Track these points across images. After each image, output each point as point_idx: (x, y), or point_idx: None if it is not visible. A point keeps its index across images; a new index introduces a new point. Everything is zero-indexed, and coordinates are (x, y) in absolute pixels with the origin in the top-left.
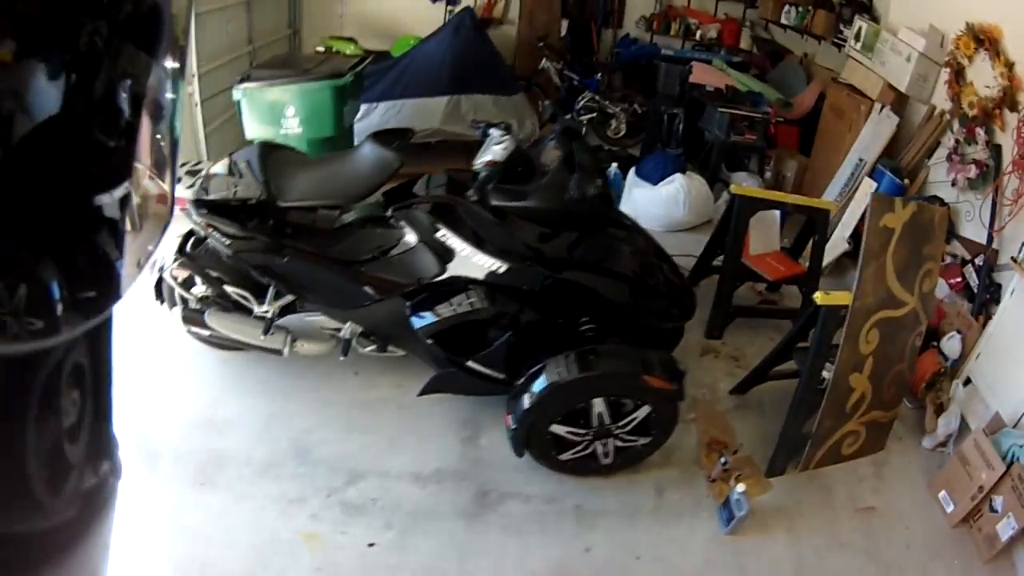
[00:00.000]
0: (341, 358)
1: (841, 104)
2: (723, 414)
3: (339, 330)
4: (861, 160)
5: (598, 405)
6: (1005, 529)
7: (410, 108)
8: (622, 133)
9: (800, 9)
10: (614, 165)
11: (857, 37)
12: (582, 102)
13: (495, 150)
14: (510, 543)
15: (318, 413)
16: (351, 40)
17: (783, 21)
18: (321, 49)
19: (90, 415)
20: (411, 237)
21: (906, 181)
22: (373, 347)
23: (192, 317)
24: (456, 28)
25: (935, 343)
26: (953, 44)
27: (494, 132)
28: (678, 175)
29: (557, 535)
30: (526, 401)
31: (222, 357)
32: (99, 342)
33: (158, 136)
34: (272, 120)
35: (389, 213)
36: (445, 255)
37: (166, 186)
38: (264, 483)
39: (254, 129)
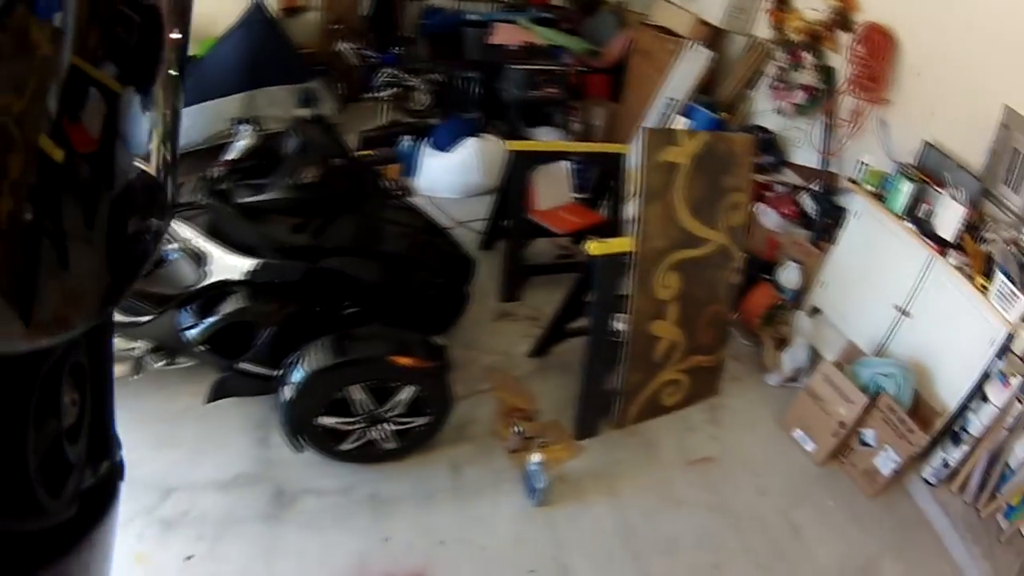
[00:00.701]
0: (133, 378)
1: (649, 46)
2: (520, 380)
3: (133, 348)
4: (672, 100)
5: (356, 392)
6: (885, 463)
7: (207, 112)
8: (426, 104)
9: None
10: (407, 137)
11: None
12: (381, 78)
13: (236, 147)
14: (310, 541)
15: (129, 434)
16: None
17: None
18: None
19: (90, 415)
20: (172, 247)
21: (724, 115)
22: (163, 362)
23: None
24: (247, 23)
25: (766, 276)
26: None
27: (241, 128)
28: (470, 139)
29: (354, 528)
30: (287, 393)
31: None
32: (99, 342)
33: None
34: None
35: None
36: (202, 261)
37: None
38: None
39: None
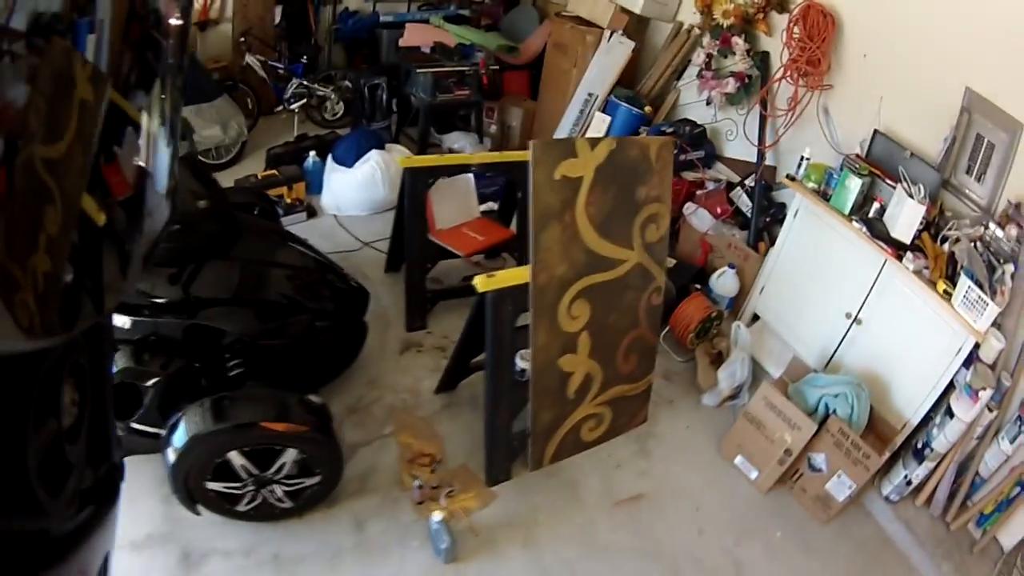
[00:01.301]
0: None
1: (564, 39)
2: (426, 421)
3: None
4: (591, 95)
5: (236, 457)
6: (839, 489)
7: None
8: (340, 114)
9: None
10: (312, 153)
11: None
12: (291, 90)
13: None
14: None
15: None
16: None
17: None
18: None
19: (90, 415)
20: None
21: (648, 109)
22: None
23: None
24: None
25: (698, 286)
26: None
27: None
28: (374, 152)
29: None
30: (170, 456)
31: None
32: (99, 342)
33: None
34: None
35: None
36: None
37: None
38: None
39: None
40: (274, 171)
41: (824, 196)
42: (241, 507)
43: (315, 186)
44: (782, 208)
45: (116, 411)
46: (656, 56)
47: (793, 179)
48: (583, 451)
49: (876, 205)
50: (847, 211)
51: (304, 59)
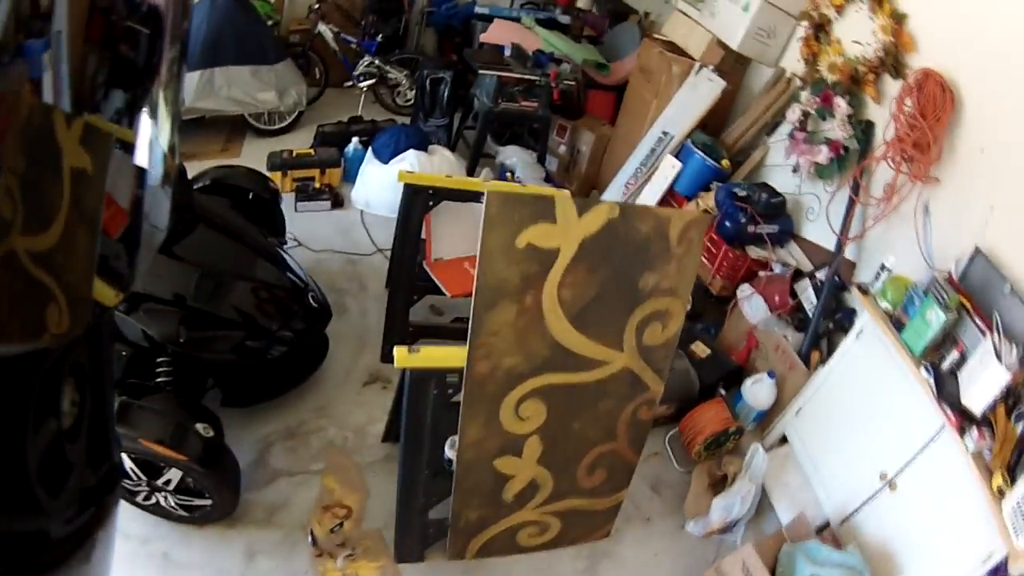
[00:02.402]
0: None
1: (651, 64)
2: (359, 469)
3: None
4: (666, 134)
5: (126, 460)
6: None
7: None
8: (409, 100)
9: None
10: (356, 139)
11: None
12: (361, 67)
13: None
14: None
15: None
16: None
17: None
18: None
19: (90, 415)
20: None
21: (726, 163)
22: None
23: None
24: None
25: (723, 392)
26: None
27: None
28: (412, 151)
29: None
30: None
31: None
32: (99, 342)
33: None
34: None
35: None
36: None
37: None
38: None
39: None
40: (310, 150)
41: (897, 323)
42: (139, 500)
43: (351, 175)
44: (850, 315)
45: None
46: (748, 103)
47: (866, 292)
48: (518, 553)
49: (955, 354)
50: (919, 352)
51: (379, 37)
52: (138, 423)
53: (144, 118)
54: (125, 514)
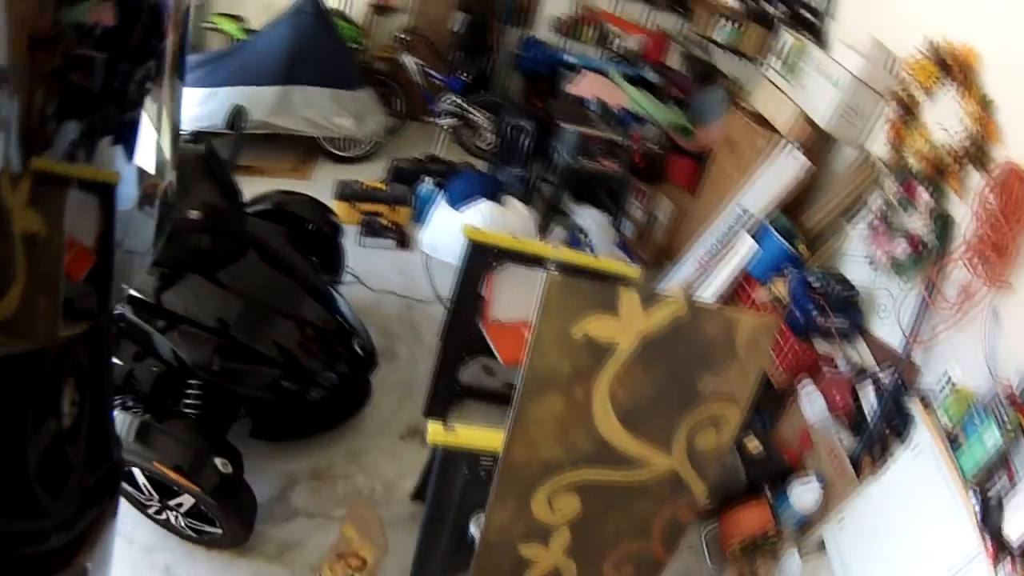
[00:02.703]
0: None
1: (737, 136)
2: (381, 523)
3: None
4: (745, 211)
5: (140, 475)
6: None
7: (233, 97)
8: (490, 144)
9: (735, 24)
10: (429, 179)
11: (779, 54)
12: (443, 104)
13: None
14: None
15: None
16: (236, 18)
17: (715, 37)
18: (209, 25)
19: (90, 415)
20: None
21: (802, 248)
22: None
23: None
24: (296, 12)
25: (766, 489)
26: (906, 69)
27: None
28: (484, 201)
29: None
30: None
31: None
32: (99, 342)
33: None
34: None
35: None
36: None
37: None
38: None
39: None
40: (382, 184)
41: (954, 440)
42: (150, 511)
43: (421, 215)
44: (907, 421)
45: None
46: (830, 184)
47: (927, 404)
48: None
49: (1004, 481)
50: (970, 474)
51: (464, 76)
52: (156, 445)
53: (107, 144)
54: (133, 520)
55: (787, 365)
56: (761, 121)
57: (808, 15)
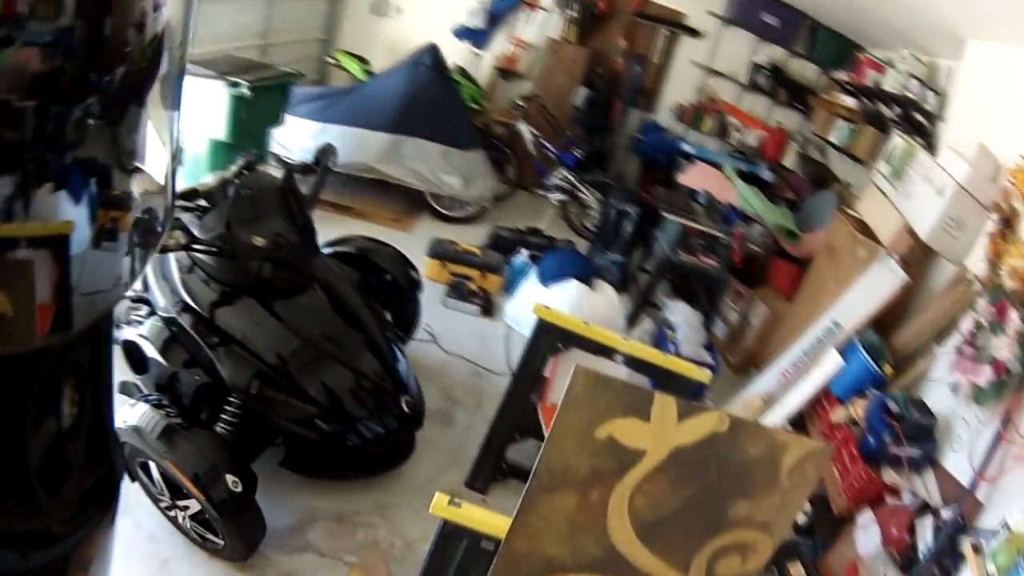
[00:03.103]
0: None
1: (838, 243)
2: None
3: None
4: (836, 325)
5: (154, 469)
6: None
7: (344, 136)
8: (597, 225)
9: (851, 126)
10: (525, 252)
11: (888, 158)
12: (555, 179)
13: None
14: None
15: None
16: (361, 59)
17: (832, 139)
18: (331, 60)
19: (90, 415)
20: None
21: (888, 369)
22: None
23: None
24: (414, 63)
25: None
26: (1009, 177)
27: (238, 160)
28: (574, 281)
29: (127, 566)
30: (123, 423)
31: None
32: (99, 342)
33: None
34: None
35: None
36: None
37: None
38: None
39: None
40: (476, 249)
41: None
42: (161, 506)
43: (512, 286)
44: (958, 561)
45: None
46: (925, 303)
47: (977, 550)
48: None
49: None
50: None
51: (579, 153)
52: (175, 448)
53: (48, 190)
54: (147, 509)
55: (851, 492)
56: (864, 229)
57: (920, 117)
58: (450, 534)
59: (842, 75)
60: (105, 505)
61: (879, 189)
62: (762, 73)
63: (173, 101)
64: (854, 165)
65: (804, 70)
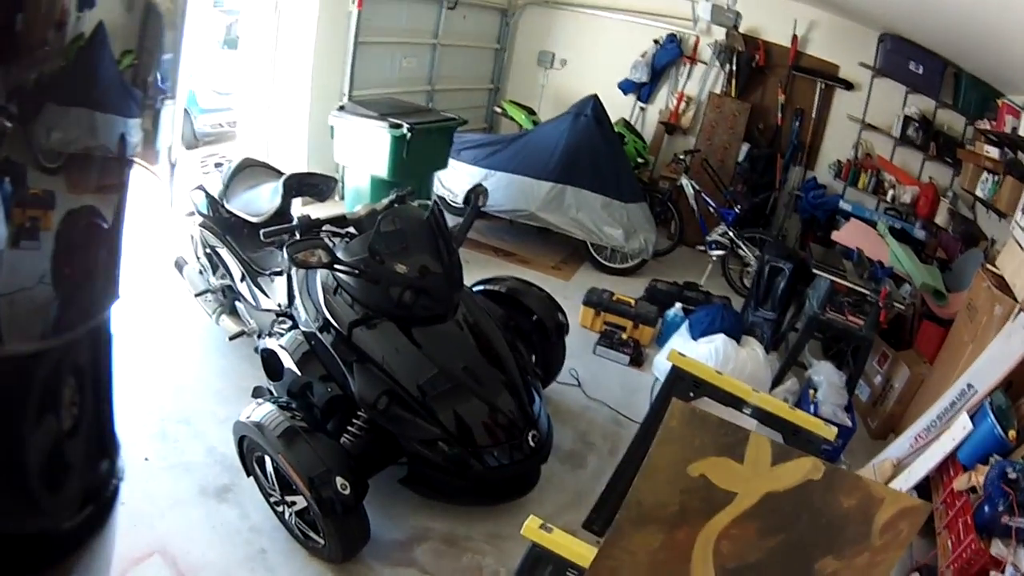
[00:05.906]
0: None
1: (978, 300)
2: None
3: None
4: (970, 387)
5: (268, 463)
6: None
7: (508, 182)
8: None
9: (995, 178)
10: (679, 306)
11: None
12: (715, 234)
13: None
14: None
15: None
16: (527, 108)
17: (978, 193)
18: (498, 110)
19: (90, 416)
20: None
21: (1012, 434)
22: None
23: (179, 263)
24: (577, 114)
25: None
26: None
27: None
28: (721, 336)
29: (226, 551)
30: (244, 415)
31: None
32: (99, 342)
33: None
34: (350, 150)
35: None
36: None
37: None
38: None
39: (340, 155)
40: (631, 300)
41: None
42: (271, 501)
43: (664, 339)
44: None
45: (267, 368)
46: None
47: None
48: None
49: None
50: None
51: (738, 208)
52: (292, 446)
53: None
54: (255, 503)
55: (958, 564)
56: (1003, 285)
57: None
58: (537, 558)
59: (984, 124)
60: (105, 505)
61: (1017, 243)
62: (912, 125)
63: (123, 107)
64: (999, 220)
65: (952, 121)
